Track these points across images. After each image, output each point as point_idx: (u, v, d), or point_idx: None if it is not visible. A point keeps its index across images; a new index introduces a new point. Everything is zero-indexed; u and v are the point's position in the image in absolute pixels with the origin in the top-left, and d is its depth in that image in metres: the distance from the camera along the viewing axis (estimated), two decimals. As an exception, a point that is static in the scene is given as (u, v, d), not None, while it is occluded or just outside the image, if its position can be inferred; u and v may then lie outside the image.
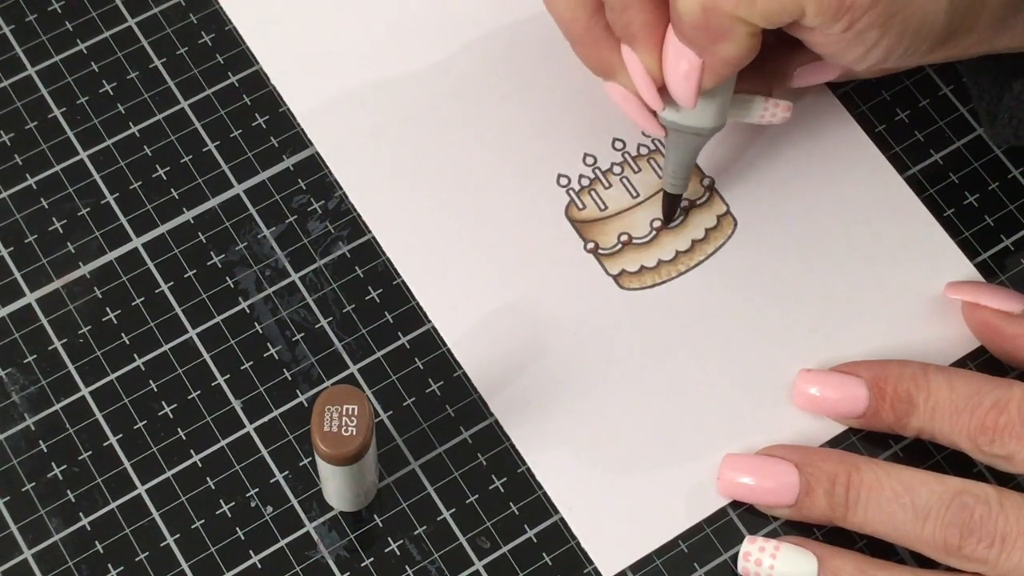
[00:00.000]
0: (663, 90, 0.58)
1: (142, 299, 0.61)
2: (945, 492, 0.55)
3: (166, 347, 0.60)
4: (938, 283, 0.62)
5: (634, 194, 0.63)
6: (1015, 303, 0.59)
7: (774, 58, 0.60)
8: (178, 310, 0.61)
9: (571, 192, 0.63)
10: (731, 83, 0.59)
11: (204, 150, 0.64)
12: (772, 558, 0.56)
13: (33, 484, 0.58)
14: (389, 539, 0.58)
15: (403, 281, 0.62)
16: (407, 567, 0.57)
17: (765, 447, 0.58)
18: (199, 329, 0.61)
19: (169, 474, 0.58)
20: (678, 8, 0.55)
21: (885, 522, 0.55)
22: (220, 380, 0.60)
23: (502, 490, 0.59)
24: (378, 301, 0.62)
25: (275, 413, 0.60)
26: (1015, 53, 0.60)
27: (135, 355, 0.60)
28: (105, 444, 0.59)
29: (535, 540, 0.58)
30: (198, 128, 0.64)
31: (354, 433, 0.53)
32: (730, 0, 0.53)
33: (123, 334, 0.61)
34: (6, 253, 0.62)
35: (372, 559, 0.57)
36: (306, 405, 0.60)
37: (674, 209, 0.62)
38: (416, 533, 0.58)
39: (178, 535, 0.58)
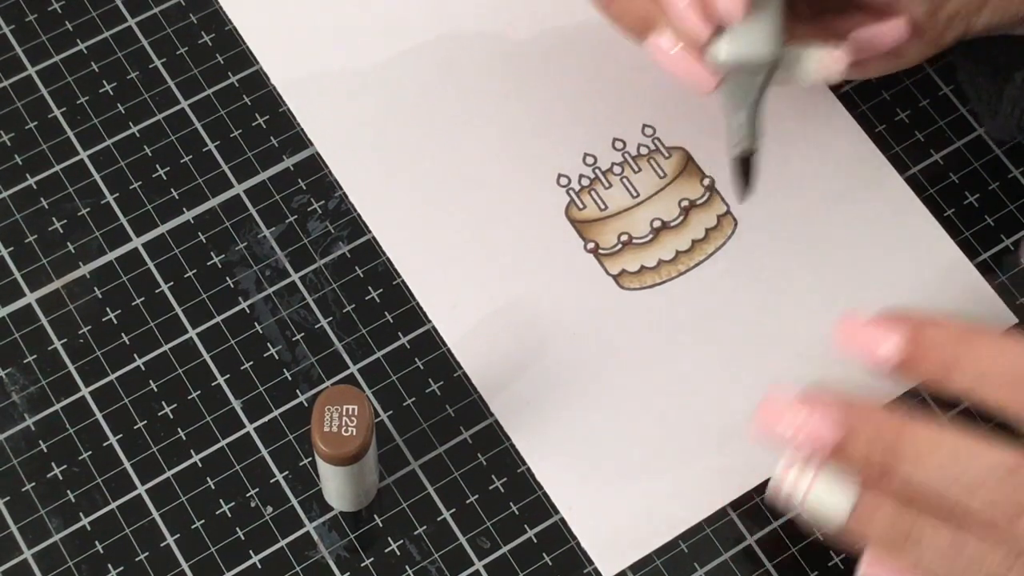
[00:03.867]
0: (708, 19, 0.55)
1: (142, 299, 0.61)
2: (998, 466, 0.49)
3: (166, 347, 0.60)
4: (938, 283, 0.62)
5: (634, 194, 0.63)
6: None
7: (823, 18, 0.58)
8: (178, 310, 0.61)
9: (571, 192, 0.63)
10: (778, 8, 0.54)
11: (204, 150, 0.64)
12: (813, 477, 0.51)
13: (33, 484, 0.58)
14: (389, 539, 0.58)
15: (403, 281, 0.62)
16: (407, 567, 0.57)
17: (808, 390, 0.52)
18: (199, 329, 0.61)
19: (169, 474, 0.58)
20: None
21: (941, 484, 0.50)
22: (220, 380, 0.60)
23: (502, 490, 0.59)
24: (378, 301, 0.62)
25: (275, 413, 0.60)
26: (1008, 50, 0.59)
27: (135, 355, 0.60)
28: (105, 444, 0.59)
29: (535, 540, 0.58)
30: (198, 128, 0.64)
31: (354, 433, 0.53)
32: None
33: (123, 334, 0.61)
34: (6, 253, 0.62)
35: (372, 559, 0.57)
36: (306, 405, 0.60)
37: (749, 173, 0.58)
38: (416, 533, 0.58)
39: (178, 535, 0.58)
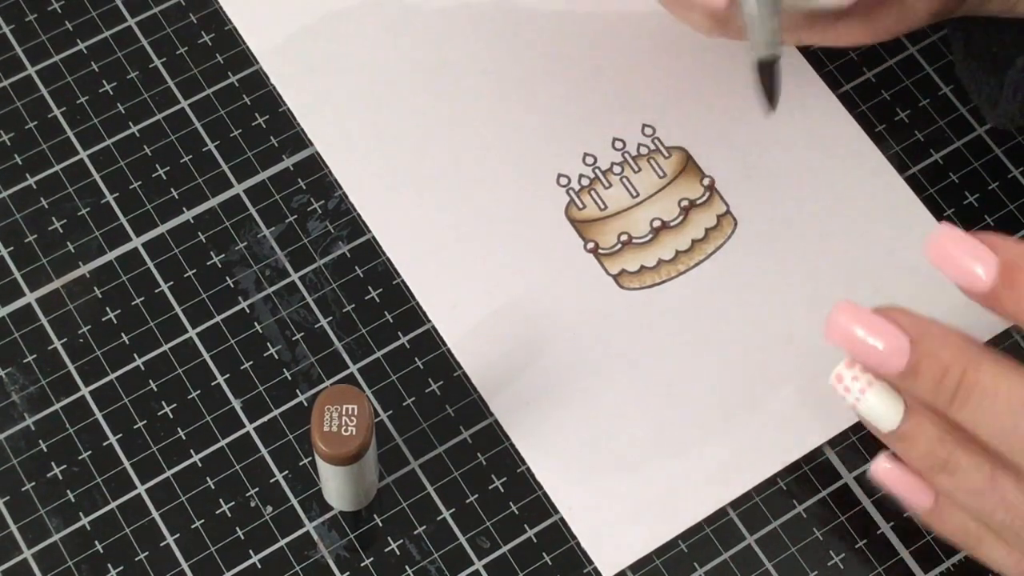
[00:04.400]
0: None
1: (142, 299, 0.61)
2: None
3: (166, 347, 0.60)
4: (938, 283, 0.62)
5: (634, 194, 0.63)
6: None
7: None
8: (178, 310, 0.61)
9: (571, 192, 0.63)
10: None
11: (204, 150, 0.64)
12: (862, 392, 0.51)
13: (33, 484, 0.58)
14: (389, 539, 0.58)
15: (403, 281, 0.62)
16: (407, 567, 0.57)
17: (884, 306, 0.51)
18: (199, 329, 0.61)
19: (169, 474, 0.58)
20: None
21: (993, 432, 0.49)
22: (220, 380, 0.60)
23: (502, 490, 0.59)
24: (378, 301, 0.62)
25: (275, 413, 0.60)
26: (1004, 41, 0.59)
27: (135, 355, 0.60)
28: (105, 444, 0.59)
29: (535, 540, 0.58)
30: (198, 128, 0.64)
31: (354, 433, 0.53)
32: None
33: (123, 334, 0.61)
34: (6, 253, 0.62)
35: (372, 559, 0.57)
36: (306, 405, 0.60)
37: (775, 83, 0.56)
38: (416, 533, 0.58)
39: (178, 535, 0.58)
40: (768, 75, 0.56)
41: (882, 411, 0.51)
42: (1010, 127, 0.63)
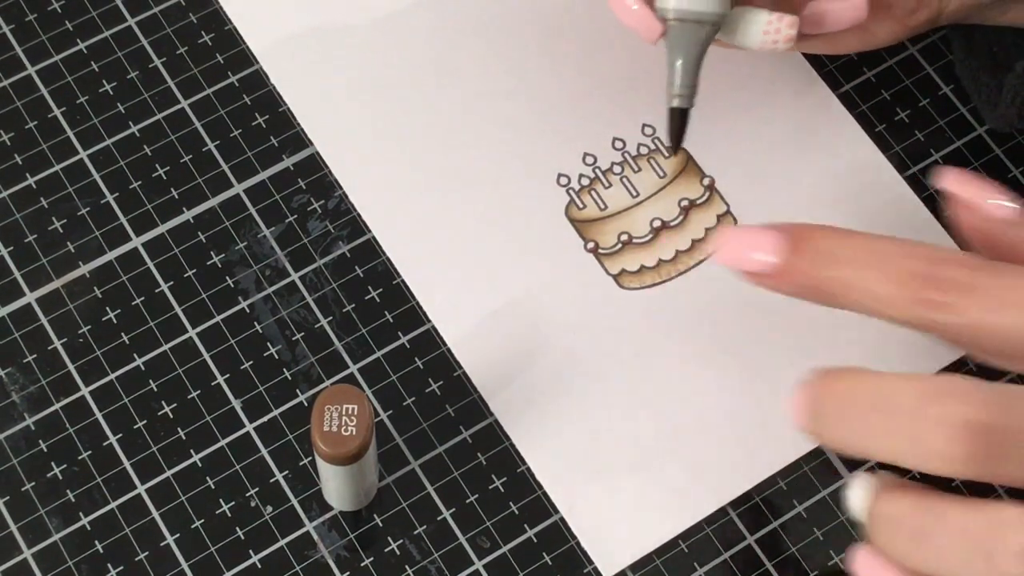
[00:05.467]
0: None
1: (142, 299, 0.61)
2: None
3: (166, 347, 0.60)
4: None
5: (634, 194, 0.63)
6: (1009, 206, 0.52)
7: None
8: (178, 310, 0.61)
9: (571, 192, 0.63)
10: None
11: (204, 150, 0.64)
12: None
13: (33, 484, 0.58)
14: (389, 539, 0.58)
15: (403, 281, 0.62)
16: (407, 567, 0.57)
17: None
18: (199, 329, 0.61)
19: (169, 474, 0.58)
20: None
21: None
22: (220, 380, 0.60)
23: (502, 490, 0.59)
24: (378, 301, 0.62)
25: (275, 413, 0.60)
26: (1005, 42, 0.59)
27: (135, 355, 0.60)
28: (105, 444, 0.59)
29: (535, 540, 0.58)
30: (198, 128, 0.64)
31: (354, 433, 0.53)
32: None
33: (123, 334, 0.61)
34: (6, 253, 0.62)
35: (372, 559, 0.57)
36: (306, 405, 0.60)
37: (682, 129, 0.57)
38: (416, 533, 0.58)
39: (178, 535, 0.58)
40: (678, 122, 0.57)
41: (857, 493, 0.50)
42: (1008, 130, 0.63)
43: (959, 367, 0.60)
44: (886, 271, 0.48)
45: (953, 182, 0.52)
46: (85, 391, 0.60)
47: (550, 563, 0.58)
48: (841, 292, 0.50)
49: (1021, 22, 0.58)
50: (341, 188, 0.63)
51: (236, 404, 0.60)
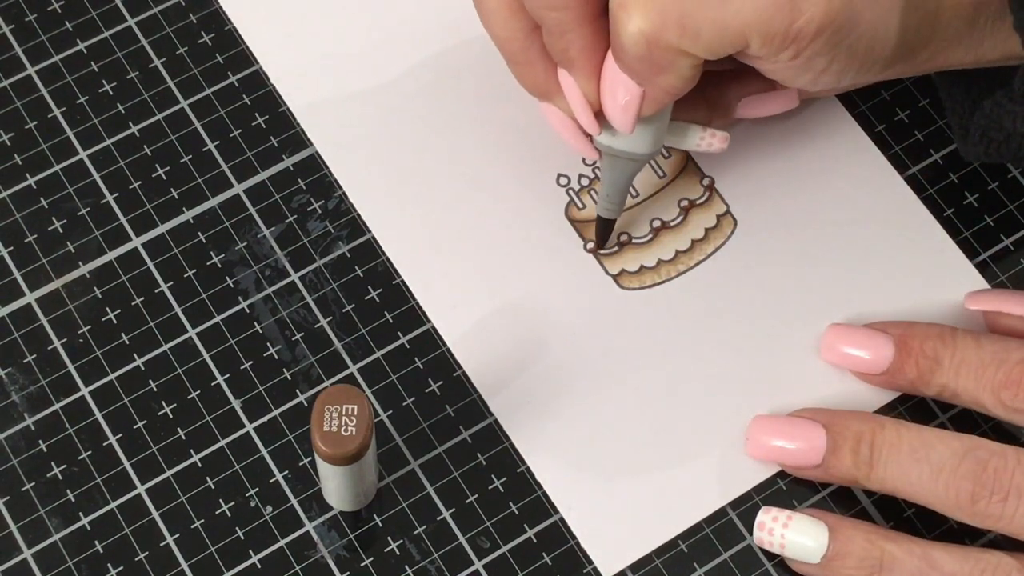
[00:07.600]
0: (599, 115, 0.57)
1: (142, 299, 0.61)
2: (961, 447, 0.54)
3: (166, 347, 0.60)
4: (938, 283, 0.62)
5: (634, 194, 0.63)
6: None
7: (715, 87, 0.60)
8: (178, 310, 0.61)
9: (571, 192, 0.63)
10: (668, 110, 0.58)
11: (204, 150, 0.64)
12: (784, 527, 0.56)
13: (33, 484, 0.58)
14: (389, 539, 0.58)
15: (403, 281, 0.62)
16: (407, 567, 0.57)
17: (794, 411, 0.59)
18: (199, 329, 0.61)
19: (169, 474, 0.58)
20: (621, 40, 0.53)
21: (903, 478, 0.55)
22: (220, 380, 0.60)
23: (502, 490, 0.59)
24: (378, 301, 0.62)
25: (275, 413, 0.60)
26: (986, 69, 0.59)
27: (135, 355, 0.60)
28: (105, 444, 0.59)
29: (535, 540, 0.58)
30: (198, 128, 0.64)
31: (354, 433, 0.53)
32: (674, 32, 0.52)
33: (123, 334, 0.61)
34: (6, 253, 0.62)
35: (372, 559, 0.57)
36: (306, 405, 0.60)
37: (607, 234, 0.62)
38: (416, 533, 0.58)
39: (178, 535, 0.58)
40: (603, 228, 0.62)
41: (809, 539, 0.56)
42: (977, 162, 0.63)
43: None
44: (982, 383, 0.56)
45: (974, 303, 0.60)
46: (85, 391, 0.60)
47: (550, 563, 0.58)
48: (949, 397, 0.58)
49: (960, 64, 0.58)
50: (341, 188, 0.63)
51: (236, 404, 0.60)
